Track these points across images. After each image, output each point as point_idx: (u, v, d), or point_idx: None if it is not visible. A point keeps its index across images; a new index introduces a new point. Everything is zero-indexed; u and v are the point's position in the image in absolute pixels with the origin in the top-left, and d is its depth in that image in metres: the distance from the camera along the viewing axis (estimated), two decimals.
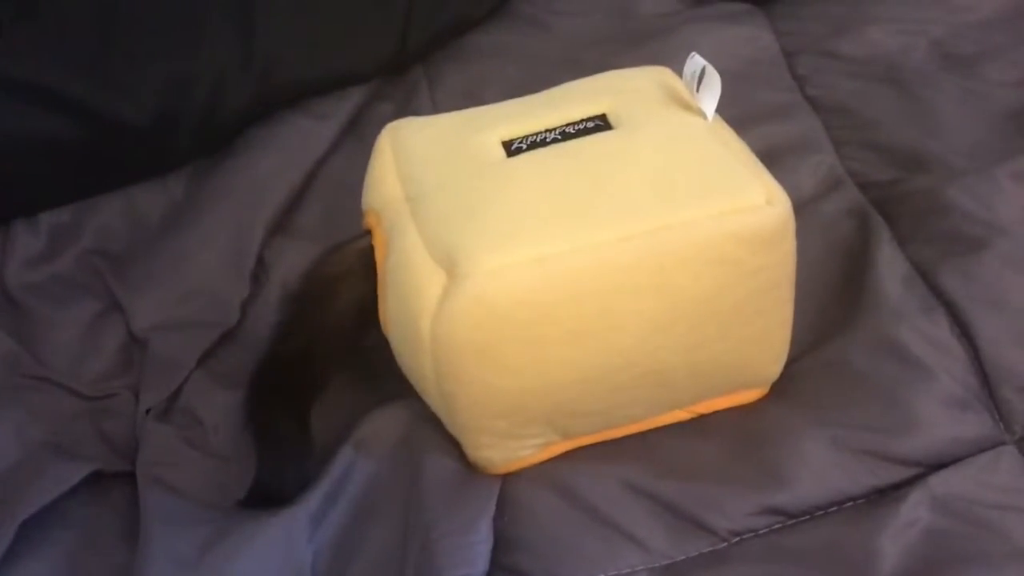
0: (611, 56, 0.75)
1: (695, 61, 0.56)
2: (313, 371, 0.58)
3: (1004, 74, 0.74)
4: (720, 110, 0.56)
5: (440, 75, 0.81)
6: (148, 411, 0.62)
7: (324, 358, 0.58)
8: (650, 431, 0.56)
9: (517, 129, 0.56)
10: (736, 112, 0.58)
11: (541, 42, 0.83)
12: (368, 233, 0.58)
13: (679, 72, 0.58)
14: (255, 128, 0.76)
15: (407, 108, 0.78)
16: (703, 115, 0.56)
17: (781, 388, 0.57)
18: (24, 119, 0.70)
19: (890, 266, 0.61)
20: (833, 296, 0.61)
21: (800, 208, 0.54)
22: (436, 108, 0.78)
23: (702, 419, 0.57)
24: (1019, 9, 0.78)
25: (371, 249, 0.56)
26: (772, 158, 0.58)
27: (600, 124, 0.55)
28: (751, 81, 0.76)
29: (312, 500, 0.54)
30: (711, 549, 0.52)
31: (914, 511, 0.51)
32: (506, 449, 0.55)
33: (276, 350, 0.59)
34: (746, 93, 0.73)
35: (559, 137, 0.55)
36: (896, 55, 0.76)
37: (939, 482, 0.52)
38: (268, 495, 0.55)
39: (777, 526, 0.52)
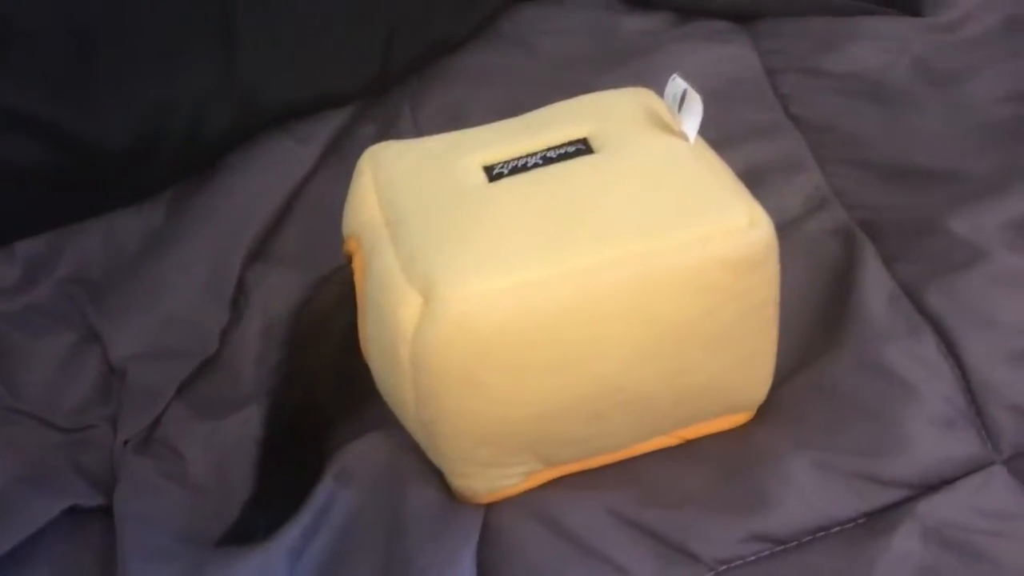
0: (596, 75, 0.75)
1: (676, 83, 0.55)
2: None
3: (988, 91, 0.74)
4: (704, 130, 0.55)
5: (423, 97, 0.80)
6: (126, 443, 0.61)
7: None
8: (635, 458, 0.56)
9: (499, 154, 0.55)
10: (720, 132, 0.58)
11: (525, 62, 0.82)
12: (350, 261, 0.57)
13: (661, 93, 0.57)
14: (236, 151, 0.75)
15: (390, 130, 0.78)
16: (685, 138, 0.55)
17: (767, 411, 0.57)
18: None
19: (875, 285, 0.61)
20: (819, 317, 0.61)
21: (785, 228, 0.54)
22: (419, 130, 0.78)
23: (688, 444, 0.56)
24: (1000, 28, 0.78)
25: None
26: (756, 178, 0.57)
27: (582, 148, 0.55)
28: (734, 100, 0.76)
29: (291, 533, 0.53)
30: None
31: (906, 543, 0.50)
32: (489, 478, 0.54)
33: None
34: (729, 112, 0.73)
35: (540, 162, 0.54)
36: (878, 72, 0.76)
37: (929, 509, 0.51)
38: (248, 534, 0.54)
39: (765, 553, 0.51)
